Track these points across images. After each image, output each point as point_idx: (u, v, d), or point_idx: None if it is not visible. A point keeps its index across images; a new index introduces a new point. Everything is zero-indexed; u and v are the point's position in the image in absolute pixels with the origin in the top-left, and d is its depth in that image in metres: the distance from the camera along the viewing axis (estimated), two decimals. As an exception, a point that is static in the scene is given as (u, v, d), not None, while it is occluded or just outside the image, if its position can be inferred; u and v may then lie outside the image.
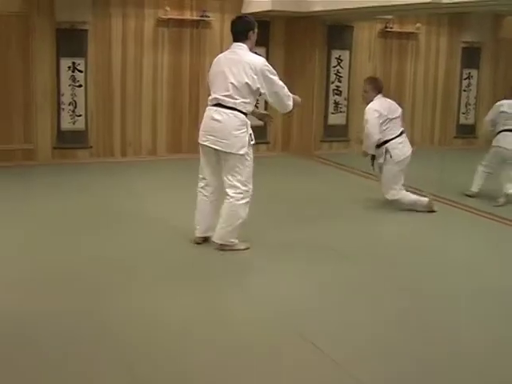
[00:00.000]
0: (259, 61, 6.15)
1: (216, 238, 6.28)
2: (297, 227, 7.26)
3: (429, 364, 4.18)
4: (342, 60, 12.04)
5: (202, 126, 6.29)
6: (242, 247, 6.29)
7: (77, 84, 10.64)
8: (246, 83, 6.01)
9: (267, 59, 11.57)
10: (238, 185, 6.12)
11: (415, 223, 7.75)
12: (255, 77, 6.04)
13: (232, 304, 5.20)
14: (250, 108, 6.15)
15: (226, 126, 6.04)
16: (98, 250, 6.34)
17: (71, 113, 10.65)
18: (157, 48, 11.04)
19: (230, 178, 6.13)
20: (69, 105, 10.62)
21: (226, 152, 6.07)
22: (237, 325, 4.74)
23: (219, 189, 6.29)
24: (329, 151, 12.02)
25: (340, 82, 12.06)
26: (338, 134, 12.17)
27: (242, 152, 6.04)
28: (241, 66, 6.07)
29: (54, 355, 4.16)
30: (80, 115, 10.70)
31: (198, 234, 6.47)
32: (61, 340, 4.38)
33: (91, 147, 10.87)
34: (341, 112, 12.13)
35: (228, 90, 6.04)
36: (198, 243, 6.46)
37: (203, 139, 6.25)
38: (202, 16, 11.17)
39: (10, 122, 10.39)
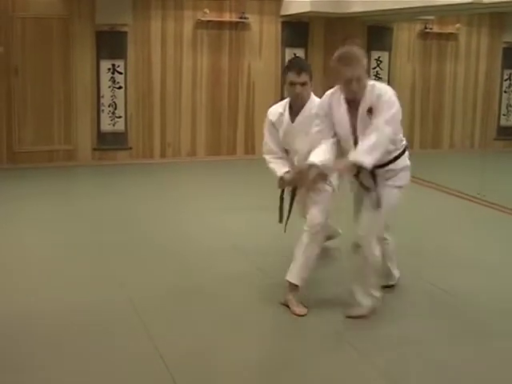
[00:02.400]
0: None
1: None
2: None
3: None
4: (381, 61, 11.98)
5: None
6: None
7: (117, 86, 10.71)
8: None
9: (306, 61, 11.70)
10: None
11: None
12: None
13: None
14: None
15: None
16: (135, 255, 6.40)
17: (111, 114, 10.73)
18: (196, 50, 11.07)
19: None
20: (109, 106, 10.71)
21: None
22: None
23: None
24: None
25: (379, 83, 11.98)
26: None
27: None
28: None
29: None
30: (120, 117, 10.77)
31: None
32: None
33: (131, 148, 10.94)
34: (380, 114, 12.03)
35: None
36: None
37: None
38: (240, 18, 11.17)
39: (51, 124, 10.49)
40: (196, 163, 10.97)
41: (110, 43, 10.63)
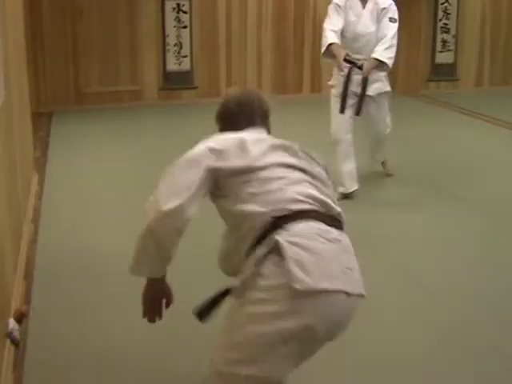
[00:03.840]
0: None
1: None
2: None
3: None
4: (450, -8, 11.65)
5: None
6: None
7: (182, 25, 10.67)
8: None
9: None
10: None
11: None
12: None
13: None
14: None
15: None
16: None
17: (176, 54, 10.72)
18: (261, -13, 10.96)
19: None
20: (174, 46, 10.69)
21: None
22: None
23: None
24: (436, 91, 11.73)
25: (448, 19, 11.67)
26: (445, 73, 11.86)
27: None
28: None
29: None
30: (185, 56, 10.75)
31: None
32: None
33: (197, 87, 10.94)
34: (449, 50, 11.77)
35: None
36: None
37: None
38: (306, -48, 11.00)
39: (117, 64, 10.54)
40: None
41: (175, -18, 10.59)
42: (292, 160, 2.67)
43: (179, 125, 9.39)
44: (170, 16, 10.62)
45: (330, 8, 6.02)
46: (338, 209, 2.63)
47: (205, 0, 10.76)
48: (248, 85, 11.03)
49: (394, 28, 5.85)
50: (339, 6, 5.95)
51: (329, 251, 2.45)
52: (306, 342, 2.42)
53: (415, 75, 11.65)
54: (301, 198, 2.53)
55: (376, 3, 5.94)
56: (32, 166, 6.60)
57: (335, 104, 6.07)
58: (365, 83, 5.83)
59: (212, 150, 2.65)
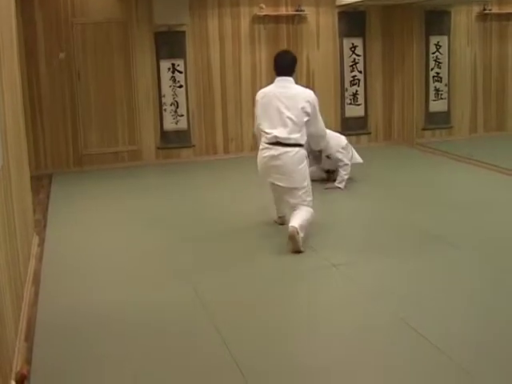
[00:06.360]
0: (311, 92, 6.32)
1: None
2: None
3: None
4: (440, 46, 11.83)
5: (264, 165, 6.33)
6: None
7: (177, 85, 10.84)
8: (302, 116, 6.14)
9: (364, 50, 11.57)
10: (305, 203, 6.22)
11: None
12: (309, 109, 6.16)
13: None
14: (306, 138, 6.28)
15: (288, 164, 6.14)
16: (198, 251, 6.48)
17: (173, 113, 10.87)
18: (254, 45, 11.12)
19: (297, 202, 6.23)
20: (170, 105, 10.84)
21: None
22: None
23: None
24: (431, 139, 11.85)
25: (440, 68, 11.86)
26: (439, 121, 11.99)
27: (305, 184, 6.23)
28: (295, 99, 6.17)
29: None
30: (182, 115, 10.90)
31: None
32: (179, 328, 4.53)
33: (194, 146, 11.06)
34: (442, 99, 11.92)
35: (287, 126, 6.12)
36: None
37: (269, 178, 6.39)
38: (297, 11, 11.18)
39: (116, 126, 10.69)
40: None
41: (169, 43, 10.77)
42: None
43: (177, 183, 9.46)
44: (166, 76, 10.80)
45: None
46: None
47: (199, 59, 10.94)
48: (245, 141, 11.15)
49: None
50: None
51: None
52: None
53: (410, 124, 11.77)
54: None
55: None
56: (32, 228, 6.65)
57: None
58: None
59: None
